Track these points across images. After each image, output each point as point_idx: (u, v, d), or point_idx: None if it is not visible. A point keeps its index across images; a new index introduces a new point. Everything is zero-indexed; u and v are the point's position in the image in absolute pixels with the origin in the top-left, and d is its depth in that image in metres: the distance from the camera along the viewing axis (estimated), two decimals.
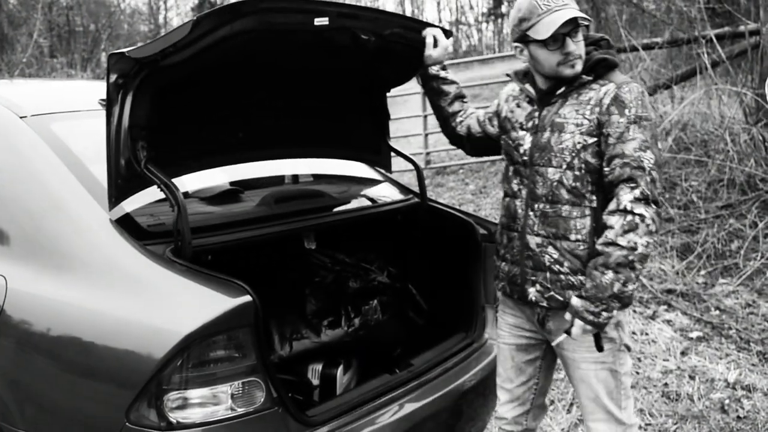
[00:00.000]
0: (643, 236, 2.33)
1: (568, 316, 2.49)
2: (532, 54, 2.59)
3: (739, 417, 4.18)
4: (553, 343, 2.66)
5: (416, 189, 3.62)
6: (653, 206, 2.35)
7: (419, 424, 2.74)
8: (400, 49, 2.91)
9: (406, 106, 14.15)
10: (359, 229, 3.42)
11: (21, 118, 2.79)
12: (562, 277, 2.55)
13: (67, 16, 17.67)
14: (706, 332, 5.37)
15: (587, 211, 2.51)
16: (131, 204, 2.54)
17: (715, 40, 7.97)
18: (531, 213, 2.61)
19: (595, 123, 2.48)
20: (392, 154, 3.56)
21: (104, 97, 2.38)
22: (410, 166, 3.56)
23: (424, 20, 3.00)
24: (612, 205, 2.40)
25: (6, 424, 2.44)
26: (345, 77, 3.08)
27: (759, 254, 6.30)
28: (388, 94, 3.41)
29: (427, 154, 12.96)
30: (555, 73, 2.55)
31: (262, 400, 2.28)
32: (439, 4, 61.37)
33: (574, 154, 2.51)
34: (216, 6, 2.35)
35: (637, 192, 2.34)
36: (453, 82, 3.01)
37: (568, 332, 2.50)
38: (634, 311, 5.68)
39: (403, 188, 3.69)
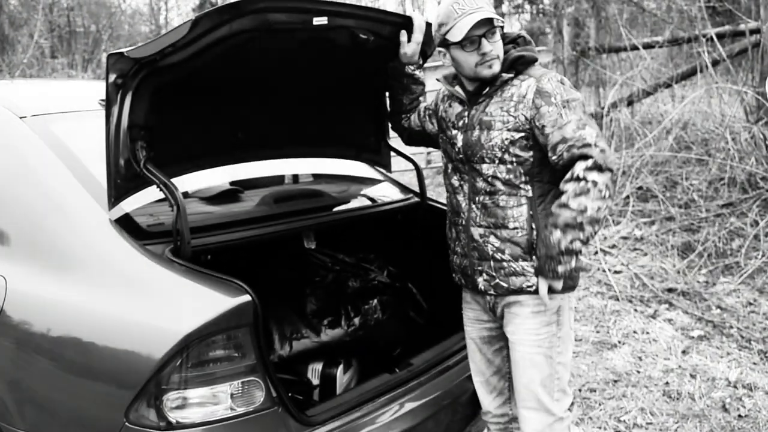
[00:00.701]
0: (595, 200, 2.40)
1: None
2: (453, 57, 2.70)
3: (740, 416, 4.18)
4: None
5: (416, 188, 3.62)
6: (606, 173, 2.43)
7: (419, 424, 2.74)
8: (399, 48, 2.91)
9: None
10: (359, 228, 3.42)
11: (21, 118, 2.79)
12: (505, 264, 2.66)
13: (68, 17, 17.67)
14: (707, 331, 5.36)
15: (523, 201, 2.62)
16: (130, 204, 2.54)
17: (715, 38, 7.96)
18: (473, 206, 2.72)
19: (521, 119, 2.58)
20: (392, 153, 3.56)
21: (103, 97, 2.38)
22: (410, 166, 3.56)
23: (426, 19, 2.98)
24: (567, 176, 2.48)
25: (5, 425, 2.44)
26: (344, 76, 3.08)
27: (760, 253, 6.29)
28: (387, 93, 3.40)
29: (428, 153, 12.95)
30: (474, 74, 2.65)
31: (262, 399, 2.28)
32: (439, 3, 61.20)
33: (503, 150, 2.61)
34: (217, 6, 2.35)
35: (589, 162, 2.43)
36: (422, 83, 3.10)
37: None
38: (635, 310, 5.68)
39: (403, 188, 3.69)
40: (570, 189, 2.44)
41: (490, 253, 2.68)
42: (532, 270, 2.61)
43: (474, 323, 2.93)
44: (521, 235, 2.62)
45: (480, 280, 2.73)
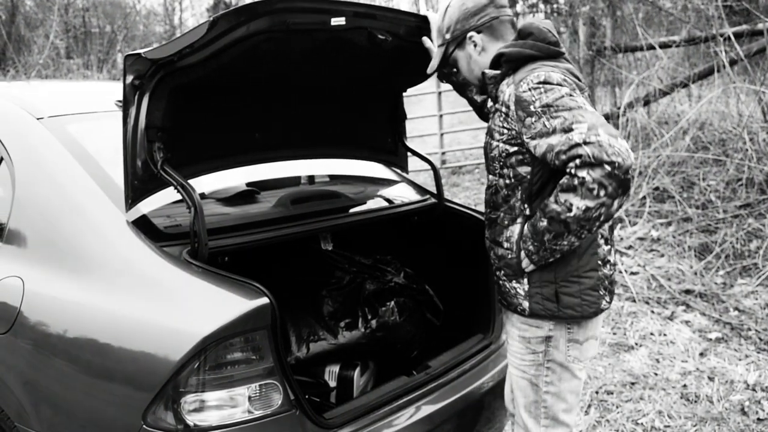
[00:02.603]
0: (583, 199, 2.19)
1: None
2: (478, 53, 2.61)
3: (759, 419, 4.14)
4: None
5: (433, 189, 3.60)
6: (601, 167, 2.15)
7: (437, 427, 2.73)
8: (417, 48, 2.89)
9: (421, 105, 14.14)
10: (376, 229, 3.41)
11: (38, 119, 2.79)
12: (501, 282, 2.59)
13: (83, 18, 17.73)
14: (725, 333, 5.32)
15: (519, 220, 2.48)
16: (148, 205, 2.53)
17: (732, 38, 7.90)
18: (485, 216, 2.66)
19: (513, 133, 2.41)
20: (408, 154, 3.55)
21: (120, 98, 2.38)
22: (426, 166, 3.54)
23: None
24: None
25: (22, 426, 2.45)
26: (361, 77, 3.07)
27: None
28: (403, 94, 3.39)
29: (443, 153, 12.93)
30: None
31: (280, 402, 2.27)
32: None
33: (501, 163, 2.49)
34: (231, 7, 2.33)
35: (578, 161, 2.18)
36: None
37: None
38: (652, 312, 5.64)
39: (419, 188, 3.68)
40: (560, 184, 2.27)
41: (494, 267, 2.63)
42: (523, 293, 2.50)
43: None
44: (510, 257, 2.51)
45: (496, 288, 2.69)
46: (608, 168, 2.14)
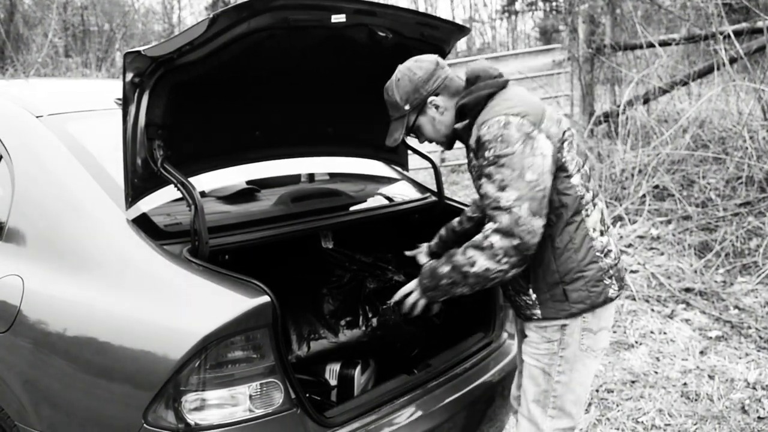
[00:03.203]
0: (487, 260, 2.39)
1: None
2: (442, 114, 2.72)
3: (759, 417, 4.14)
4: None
5: (433, 187, 3.60)
6: (512, 239, 2.35)
7: (438, 426, 2.72)
8: (417, 46, 2.89)
9: None
10: (376, 228, 3.40)
11: (37, 117, 2.79)
12: (513, 299, 2.72)
13: (82, 16, 17.73)
14: (725, 331, 5.32)
15: None
16: (148, 203, 2.52)
17: (732, 36, 7.88)
18: None
19: (476, 171, 2.57)
20: (409, 152, 3.54)
21: (120, 96, 2.37)
22: (426, 164, 3.54)
23: (441, 17, 2.96)
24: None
25: (22, 425, 2.44)
26: (362, 74, 3.06)
27: None
28: None
29: (442, 152, 12.91)
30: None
31: (281, 401, 2.27)
32: (452, 1, 61.27)
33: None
34: (230, 4, 2.33)
35: (495, 225, 2.38)
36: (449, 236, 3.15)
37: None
38: (652, 310, 5.64)
39: (420, 186, 3.67)
40: (473, 239, 2.45)
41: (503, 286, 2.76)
42: (533, 302, 2.61)
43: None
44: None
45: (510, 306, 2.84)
46: (516, 242, 2.36)
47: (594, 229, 2.57)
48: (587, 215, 2.55)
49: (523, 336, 2.84)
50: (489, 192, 2.41)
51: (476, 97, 2.58)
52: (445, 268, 2.50)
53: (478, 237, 2.43)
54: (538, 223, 2.37)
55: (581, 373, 2.66)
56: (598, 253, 2.56)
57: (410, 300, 2.68)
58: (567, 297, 2.55)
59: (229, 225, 2.67)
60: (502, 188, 2.38)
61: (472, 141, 2.54)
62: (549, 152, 2.44)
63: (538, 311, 2.60)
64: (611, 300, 2.61)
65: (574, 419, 2.71)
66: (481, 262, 2.40)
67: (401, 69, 2.68)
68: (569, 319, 2.58)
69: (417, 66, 2.66)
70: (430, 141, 2.78)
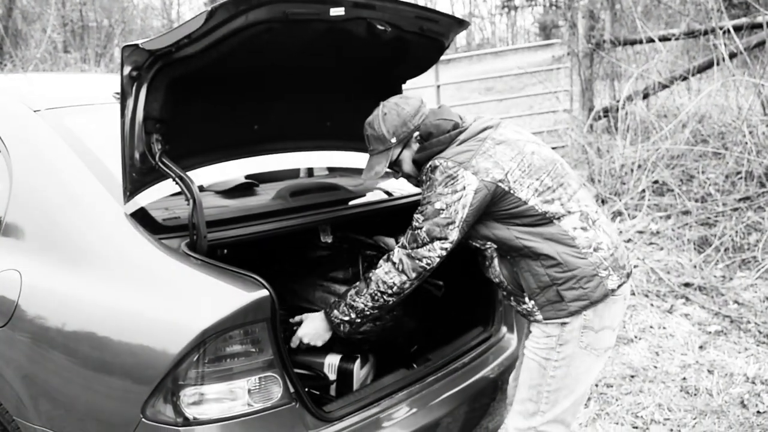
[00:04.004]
0: (385, 263, 2.64)
1: None
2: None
3: (759, 412, 4.14)
4: None
5: None
6: (404, 249, 2.62)
7: (437, 420, 2.72)
8: (416, 40, 2.88)
9: None
10: (375, 222, 3.39)
11: (35, 111, 2.78)
12: (516, 309, 2.82)
13: (81, 12, 17.66)
14: (724, 326, 5.32)
15: (492, 256, 2.76)
16: (146, 197, 2.52)
17: (732, 30, 7.88)
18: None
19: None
20: None
21: (118, 90, 2.36)
22: None
23: (440, 10, 2.95)
24: None
25: (20, 419, 2.44)
26: (361, 68, 3.05)
27: None
28: (402, 87, 3.37)
29: None
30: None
31: (279, 395, 2.26)
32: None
33: None
34: None
35: (401, 240, 2.66)
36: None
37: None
38: (651, 305, 5.63)
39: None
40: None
41: (502, 294, 2.88)
42: (532, 308, 2.69)
43: None
44: (506, 284, 2.74)
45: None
46: (405, 250, 2.63)
47: (574, 228, 2.65)
48: (558, 220, 2.65)
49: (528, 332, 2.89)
50: (413, 219, 2.65)
51: (427, 155, 2.74)
52: (357, 283, 2.70)
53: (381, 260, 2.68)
54: (439, 247, 2.60)
55: (578, 371, 2.69)
56: (584, 250, 2.63)
57: (303, 331, 2.79)
58: (562, 297, 2.61)
59: (227, 219, 2.67)
60: (415, 225, 2.63)
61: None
62: (472, 187, 2.58)
63: (539, 315, 2.67)
64: (612, 292, 2.65)
65: (567, 424, 2.75)
66: (384, 265, 2.64)
67: (387, 104, 2.81)
68: (570, 317, 2.63)
69: (404, 102, 2.81)
70: (407, 177, 2.92)
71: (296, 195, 3.11)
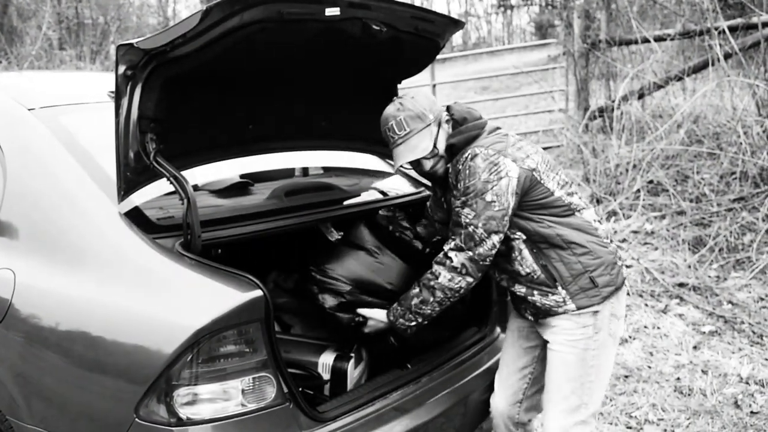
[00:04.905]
0: (447, 271, 2.62)
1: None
2: None
3: (752, 412, 4.15)
4: None
5: (426, 181, 3.58)
6: (464, 252, 2.61)
7: (431, 420, 2.72)
8: (412, 39, 2.88)
9: None
10: (370, 221, 3.39)
11: (29, 110, 2.77)
12: (538, 304, 2.79)
13: (76, 9, 17.60)
14: (718, 326, 5.33)
15: (518, 241, 2.73)
16: (140, 197, 2.51)
17: (727, 31, 7.88)
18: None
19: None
20: None
21: (113, 88, 2.35)
22: None
23: (435, 11, 2.95)
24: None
25: (13, 419, 2.43)
26: (356, 68, 3.05)
27: None
28: (398, 87, 3.37)
29: None
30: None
31: (273, 395, 2.27)
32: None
33: None
34: None
35: (452, 243, 2.64)
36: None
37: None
38: (646, 305, 5.64)
39: (414, 180, 3.66)
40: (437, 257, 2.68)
41: (522, 295, 2.81)
42: (563, 298, 2.71)
43: (518, 315, 3.00)
44: (537, 276, 2.73)
45: (526, 314, 2.87)
46: (468, 252, 2.61)
47: (594, 220, 2.78)
48: (580, 212, 2.75)
49: (520, 333, 2.98)
50: (454, 206, 2.66)
51: (462, 142, 2.73)
52: (415, 289, 2.69)
53: (440, 254, 2.67)
54: (494, 240, 2.60)
55: (608, 359, 2.82)
56: (604, 240, 2.77)
57: (372, 322, 2.83)
58: (595, 283, 2.70)
59: (222, 219, 2.66)
60: (463, 206, 2.62)
61: (451, 177, 2.71)
62: (515, 174, 2.62)
63: (571, 305, 2.71)
64: (624, 281, 2.83)
65: (599, 404, 2.87)
66: (445, 273, 2.63)
67: (409, 93, 2.82)
68: (601, 304, 2.72)
69: (421, 94, 2.84)
70: (421, 170, 2.85)
71: (291, 195, 3.10)
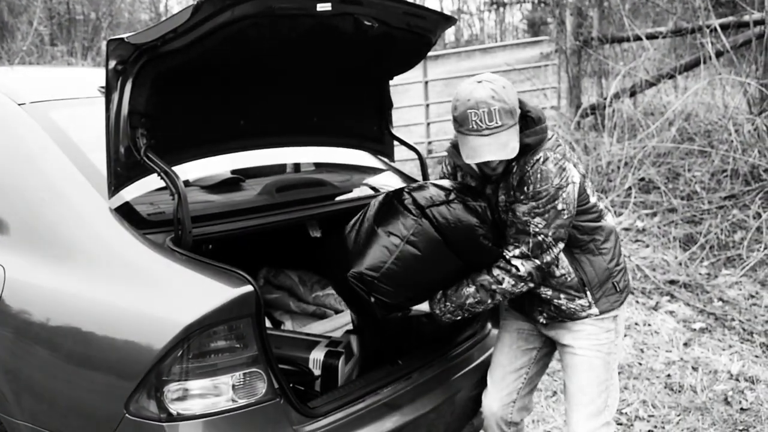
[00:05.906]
0: (511, 278, 2.58)
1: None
2: None
3: (742, 409, 4.17)
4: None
5: (419, 178, 3.58)
6: (532, 261, 2.57)
7: (422, 416, 2.72)
8: (404, 36, 2.87)
9: (407, 95, 14.09)
10: None
11: (19, 105, 2.76)
12: (562, 308, 2.79)
13: (68, 4, 17.54)
14: (709, 323, 5.35)
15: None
16: (131, 192, 2.51)
17: (719, 29, 7.90)
18: None
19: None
20: (395, 142, 3.53)
21: (103, 84, 2.34)
22: (413, 155, 3.53)
23: (427, 7, 2.95)
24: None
25: (3, 414, 2.43)
26: (348, 64, 3.04)
27: (762, 245, 6.27)
28: (390, 83, 3.37)
29: (429, 143, 12.91)
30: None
31: (264, 391, 2.26)
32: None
33: None
34: None
35: (517, 251, 2.58)
36: None
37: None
38: (637, 302, 5.66)
39: (406, 177, 3.66)
40: (496, 265, 2.61)
41: (547, 298, 2.78)
42: (588, 303, 2.74)
43: (518, 317, 2.99)
44: (570, 279, 2.73)
45: (540, 317, 2.85)
46: (535, 261, 2.58)
47: (614, 226, 2.85)
48: (604, 217, 2.79)
49: (519, 334, 2.99)
50: (518, 213, 2.58)
51: (535, 143, 2.61)
52: (470, 288, 2.62)
53: (499, 263, 2.60)
54: (560, 247, 2.60)
55: (616, 363, 2.91)
56: (620, 246, 2.85)
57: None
58: (617, 288, 2.78)
59: (212, 214, 2.66)
60: (532, 215, 2.55)
61: (514, 180, 2.62)
62: (578, 180, 2.63)
63: (594, 309, 2.75)
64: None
65: (617, 403, 2.96)
66: (509, 279, 2.59)
67: (499, 80, 2.56)
68: (619, 309, 2.81)
69: (508, 84, 2.63)
70: (496, 166, 2.66)
71: (282, 191, 3.10)
